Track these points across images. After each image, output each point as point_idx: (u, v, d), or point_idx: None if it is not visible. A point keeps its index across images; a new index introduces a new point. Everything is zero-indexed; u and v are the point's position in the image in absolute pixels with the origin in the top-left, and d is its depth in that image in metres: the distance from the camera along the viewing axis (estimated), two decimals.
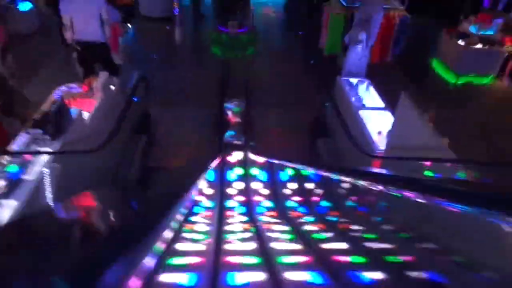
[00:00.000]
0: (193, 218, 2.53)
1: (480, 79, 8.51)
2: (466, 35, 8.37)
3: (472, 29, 8.40)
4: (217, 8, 10.24)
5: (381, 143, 4.54)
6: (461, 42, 8.19)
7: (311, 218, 2.90)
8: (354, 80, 5.94)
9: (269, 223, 2.67)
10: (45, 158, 3.37)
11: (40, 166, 3.31)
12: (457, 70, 8.37)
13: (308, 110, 6.87)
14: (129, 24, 8.33)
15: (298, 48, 9.91)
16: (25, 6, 9.25)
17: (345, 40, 6.06)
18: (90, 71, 5.32)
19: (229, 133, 5.02)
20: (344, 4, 7.74)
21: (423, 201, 1.54)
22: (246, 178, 4.13)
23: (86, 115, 4.27)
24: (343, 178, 2.61)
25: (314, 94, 7.26)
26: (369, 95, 5.66)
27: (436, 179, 2.61)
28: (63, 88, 4.90)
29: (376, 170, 3.96)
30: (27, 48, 8.59)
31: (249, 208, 3.45)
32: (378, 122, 4.97)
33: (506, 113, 7.42)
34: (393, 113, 4.97)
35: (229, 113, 5.63)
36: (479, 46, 8.20)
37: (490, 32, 8.41)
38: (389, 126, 4.75)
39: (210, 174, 3.92)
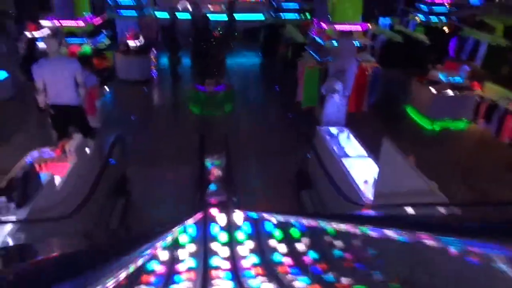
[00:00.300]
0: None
1: (455, 124, 8.72)
2: (436, 82, 8.69)
3: (441, 76, 8.74)
4: (194, 68, 10.42)
5: (368, 191, 4.42)
6: (432, 89, 8.46)
7: (299, 274, 2.68)
8: (334, 130, 5.94)
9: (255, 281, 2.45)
10: (9, 227, 3.09)
11: (3, 236, 3.02)
12: (431, 116, 8.58)
13: (289, 162, 6.78)
14: (106, 88, 8.31)
15: (275, 103, 10.04)
16: (0, 76, 9.20)
17: (322, 91, 6.15)
18: (64, 135, 5.14)
19: (210, 189, 4.83)
20: (318, 59, 7.98)
21: (410, 238, 1.44)
22: (229, 234, 3.89)
23: (57, 180, 4.03)
24: (329, 225, 2.46)
25: (294, 146, 7.22)
26: (350, 144, 5.63)
27: (419, 215, 2.51)
28: (35, 152, 4.68)
29: (360, 212, 3.82)
30: (1, 116, 8.43)
31: (235, 269, 3.19)
32: (362, 170, 4.89)
33: (484, 155, 7.51)
34: (376, 161, 4.93)
35: (209, 169, 5.47)
36: (450, 92, 8.48)
37: (458, 79, 8.76)
38: (374, 174, 4.67)
39: (191, 230, 3.69)
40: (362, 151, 5.33)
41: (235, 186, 4.98)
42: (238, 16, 13.49)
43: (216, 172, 5.30)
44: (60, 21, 7.16)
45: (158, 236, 2.37)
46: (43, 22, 8.23)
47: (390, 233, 1.67)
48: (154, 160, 6.97)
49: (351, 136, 5.76)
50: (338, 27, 7.77)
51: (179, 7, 16.14)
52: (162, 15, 13.42)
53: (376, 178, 4.08)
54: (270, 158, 7.10)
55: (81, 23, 7.31)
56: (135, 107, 9.48)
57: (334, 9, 7.93)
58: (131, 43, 10.73)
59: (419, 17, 13.06)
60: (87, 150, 4.97)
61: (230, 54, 10.40)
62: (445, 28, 12.02)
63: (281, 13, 12.93)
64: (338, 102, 5.89)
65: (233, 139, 6.85)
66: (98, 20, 7.88)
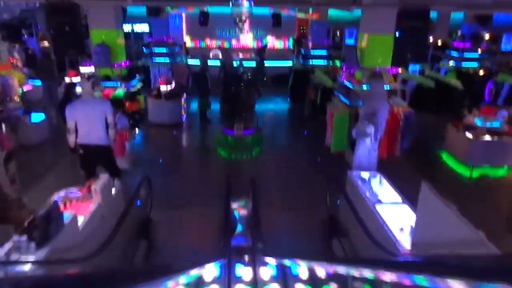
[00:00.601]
0: None
1: (495, 171, 8.24)
2: (472, 128, 8.34)
3: (478, 121, 8.39)
4: (223, 112, 10.52)
5: (404, 240, 4.09)
6: (469, 134, 8.10)
7: None
8: (366, 175, 5.68)
9: None
10: (27, 268, 2.98)
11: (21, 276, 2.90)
12: (469, 162, 8.16)
13: (319, 208, 6.50)
14: (137, 130, 8.45)
15: (304, 147, 9.89)
16: (37, 118, 9.55)
17: (353, 134, 5.97)
18: (92, 174, 5.16)
19: (235, 234, 4.61)
20: (348, 103, 7.87)
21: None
22: (255, 283, 3.62)
23: (81, 219, 3.95)
24: (361, 271, 2.20)
25: (324, 192, 6.98)
26: (383, 189, 5.34)
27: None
28: (62, 192, 4.68)
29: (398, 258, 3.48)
30: (35, 157, 8.68)
31: None
32: (397, 217, 4.57)
33: None
34: (412, 207, 4.61)
35: (235, 214, 5.27)
36: (488, 137, 8.10)
37: (496, 124, 8.38)
38: (410, 222, 4.35)
39: (214, 273, 3.45)
40: (396, 197, 5.02)
41: (262, 231, 4.74)
42: (267, 62, 13.80)
43: (242, 216, 5.09)
44: (97, 66, 7.46)
45: (178, 272, 2.19)
46: (82, 69, 8.66)
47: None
48: (179, 203, 6.86)
49: (384, 181, 5.48)
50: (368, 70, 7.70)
51: (210, 54, 16.78)
52: (194, 62, 13.89)
53: (414, 225, 3.77)
54: (298, 204, 6.87)
55: (116, 68, 7.57)
56: (164, 150, 9.57)
57: (364, 55, 7.91)
58: (163, 88, 11.05)
59: (450, 63, 12.91)
60: (113, 190, 4.93)
61: (259, 99, 10.49)
62: (479, 73, 11.76)
63: (309, 60, 13.10)
64: (369, 146, 5.68)
65: (261, 184, 6.68)
66: (132, 65, 8.15)
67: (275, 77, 16.05)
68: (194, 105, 12.03)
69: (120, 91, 7.60)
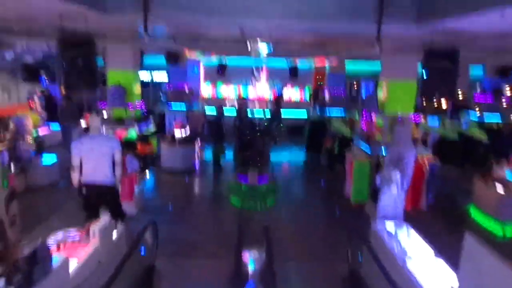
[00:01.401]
0: None
1: None
2: (503, 181, 7.77)
3: (509, 175, 7.85)
4: (237, 160, 10.22)
5: None
6: (500, 188, 7.53)
7: None
8: (392, 226, 5.16)
9: None
10: None
11: None
12: (501, 219, 7.50)
13: (339, 264, 5.91)
14: (147, 174, 8.15)
15: (321, 199, 9.39)
16: (48, 159, 9.39)
17: (377, 182, 5.53)
18: (94, 216, 4.77)
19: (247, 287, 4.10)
20: (368, 152, 7.49)
21: None
22: None
23: (74, 264, 3.52)
24: None
25: (344, 246, 6.43)
26: (412, 243, 4.79)
27: None
28: (59, 233, 4.29)
29: None
30: (42, 199, 8.41)
31: None
32: (431, 274, 4.01)
33: None
34: (448, 263, 4.07)
35: (247, 265, 4.76)
36: None
37: None
38: (447, 279, 3.79)
39: None
40: (428, 251, 4.47)
41: (276, 284, 4.21)
42: (283, 113, 13.69)
43: (254, 270, 4.58)
44: (111, 107, 7.35)
45: None
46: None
47: None
48: (188, 252, 6.36)
49: (413, 233, 4.94)
50: (389, 115, 7.40)
51: (227, 103, 16.85)
52: (210, 109, 13.88)
53: (456, 284, 3.22)
54: (316, 257, 6.29)
55: (130, 110, 7.43)
56: (174, 196, 9.19)
57: (385, 102, 7.66)
58: (177, 133, 10.90)
59: (472, 118, 12.58)
60: (114, 234, 4.51)
61: (274, 149, 10.20)
62: (504, 127, 11.36)
63: (326, 110, 12.94)
64: (395, 195, 5.21)
65: (275, 236, 6.19)
66: (147, 109, 8.04)
67: (291, 128, 15.93)
68: (208, 153, 11.79)
69: (133, 133, 7.41)
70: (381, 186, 5.36)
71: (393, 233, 5.02)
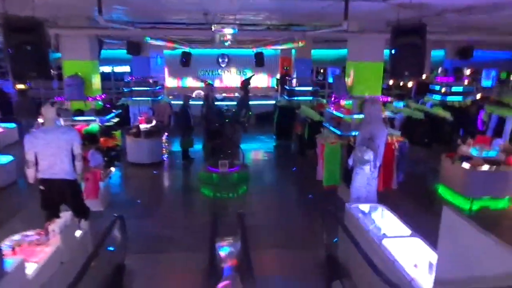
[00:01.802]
0: None
1: (495, 202, 7.79)
2: (468, 158, 7.96)
3: (473, 151, 8.04)
4: (206, 149, 9.96)
5: (421, 278, 3.48)
6: (466, 165, 7.70)
7: None
8: (366, 207, 5.12)
9: None
10: None
11: None
12: (468, 195, 7.70)
13: (315, 247, 5.85)
14: (112, 168, 7.77)
15: (293, 184, 9.32)
16: (5, 159, 8.82)
17: (349, 163, 5.47)
18: (54, 215, 4.44)
19: (222, 279, 3.92)
20: (339, 133, 7.44)
21: None
22: None
23: (32, 266, 3.22)
24: None
25: (319, 230, 6.39)
26: (388, 222, 4.77)
27: None
28: (16, 236, 3.95)
29: None
30: (1, 200, 7.89)
31: None
32: (409, 252, 3.99)
33: None
34: (426, 241, 4.05)
35: (222, 256, 4.58)
36: (486, 167, 7.70)
37: (492, 153, 8.04)
38: (425, 256, 3.76)
39: None
40: (405, 230, 4.45)
41: (253, 275, 4.06)
42: (250, 101, 13.48)
43: (229, 258, 4.41)
44: (69, 99, 6.91)
45: None
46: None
47: None
48: (159, 247, 6.11)
49: (388, 213, 4.92)
50: (358, 96, 7.38)
51: (193, 94, 16.47)
52: (176, 102, 13.49)
53: (436, 259, 3.17)
54: (291, 243, 6.21)
55: (90, 102, 7.02)
56: (142, 190, 8.86)
57: (353, 84, 7.61)
58: (143, 126, 10.51)
59: (435, 98, 12.85)
60: (78, 232, 4.21)
61: (244, 137, 10.00)
62: (467, 104, 11.68)
63: (294, 96, 12.84)
64: (368, 175, 5.16)
65: (249, 223, 6.05)
66: (108, 99, 7.63)
67: (259, 115, 15.76)
68: (176, 144, 11.45)
69: (94, 126, 7.01)
70: (354, 167, 5.29)
71: (367, 213, 4.99)
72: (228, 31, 5.59)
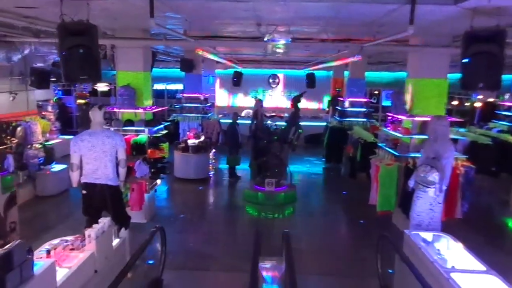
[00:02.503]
0: None
1: None
2: None
3: None
4: (253, 167, 9.69)
5: None
6: None
7: None
8: (427, 235, 4.52)
9: None
10: None
11: None
12: None
13: (365, 278, 5.29)
14: (158, 181, 7.69)
15: (343, 208, 8.75)
16: (59, 168, 9.07)
17: (409, 185, 4.92)
18: (95, 221, 4.31)
19: None
20: (397, 154, 6.87)
21: None
22: None
23: (63, 272, 3.04)
24: None
25: (370, 258, 5.83)
26: (455, 254, 4.16)
27: None
28: (55, 240, 3.83)
29: None
30: (50, 207, 8.07)
31: None
32: None
33: None
34: (503, 279, 3.43)
35: (264, 277, 4.19)
36: None
37: None
38: None
39: None
40: (477, 264, 3.83)
41: None
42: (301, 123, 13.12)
43: (273, 279, 4.01)
44: (120, 109, 6.96)
45: None
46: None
47: None
48: (199, 264, 5.83)
49: (456, 244, 4.30)
50: (418, 118, 6.81)
51: (243, 114, 16.46)
52: (225, 120, 13.47)
53: None
54: (339, 272, 5.68)
55: (139, 112, 7.03)
56: (187, 205, 8.72)
57: (413, 103, 7.06)
58: (191, 141, 10.48)
59: (502, 124, 11.77)
60: (115, 241, 4.03)
61: (291, 159, 9.62)
62: None
63: (346, 117, 12.33)
64: (432, 199, 4.59)
65: (293, 246, 5.62)
66: (158, 110, 7.63)
67: (308, 136, 15.35)
68: (223, 162, 11.30)
69: (143, 137, 6.99)
70: (415, 189, 4.75)
71: (430, 242, 4.40)
72: (281, 41, 5.35)
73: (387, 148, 7.26)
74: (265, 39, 5.46)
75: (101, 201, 4.43)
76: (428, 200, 4.65)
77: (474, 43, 4.11)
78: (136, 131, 7.05)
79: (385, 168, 6.92)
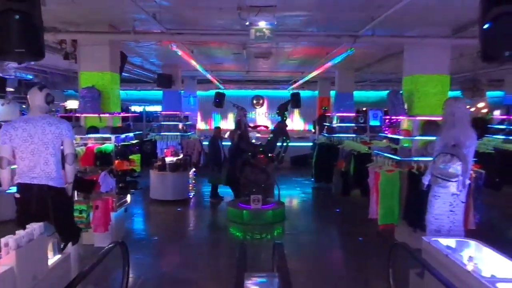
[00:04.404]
0: None
1: None
2: None
3: None
4: (236, 184, 8.78)
5: None
6: None
7: None
8: (450, 242, 3.68)
9: None
10: None
11: None
12: None
13: None
14: (128, 198, 6.71)
15: (338, 226, 7.84)
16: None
17: (423, 182, 4.11)
18: None
19: None
20: (399, 158, 6.10)
21: None
22: None
23: None
24: None
25: (375, 278, 4.96)
26: (491, 262, 3.31)
27: None
28: None
29: None
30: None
31: None
32: None
33: None
34: None
35: None
36: None
37: None
38: None
39: None
40: None
41: None
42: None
43: None
44: (82, 113, 6.06)
45: None
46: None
47: None
48: None
49: (489, 251, 3.45)
50: (420, 118, 6.11)
51: (226, 135, 15.63)
52: (206, 143, 12.65)
53: None
54: None
55: (105, 117, 6.14)
56: (163, 227, 7.70)
57: (412, 103, 6.39)
58: (169, 159, 9.56)
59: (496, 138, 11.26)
60: (56, 257, 3.04)
61: (278, 180, 8.76)
62: None
63: (334, 134, 11.60)
64: (453, 197, 3.78)
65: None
66: (127, 116, 6.75)
67: (295, 158, 14.61)
68: (205, 183, 10.32)
69: (109, 146, 6.06)
70: (432, 186, 3.94)
71: (455, 249, 3.55)
72: (264, 24, 4.64)
73: (385, 154, 6.48)
74: (247, 23, 4.74)
75: (41, 208, 3.43)
76: (448, 199, 3.83)
77: (495, 4, 3.43)
78: (102, 138, 6.12)
79: (386, 175, 6.12)
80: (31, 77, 11.14)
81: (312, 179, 11.62)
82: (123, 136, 6.40)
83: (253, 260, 5.10)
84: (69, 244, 3.46)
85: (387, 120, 6.71)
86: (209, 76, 11.27)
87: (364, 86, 16.73)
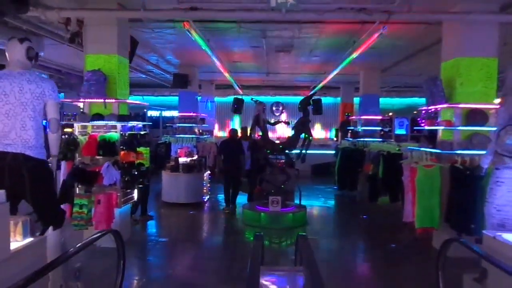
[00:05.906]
0: None
1: None
2: None
3: None
4: (253, 185, 8.12)
5: None
6: None
7: None
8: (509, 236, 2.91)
9: None
10: None
11: None
12: None
13: None
14: (135, 194, 6.12)
15: (366, 232, 7.05)
16: None
17: (483, 165, 3.36)
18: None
19: None
20: (439, 151, 5.33)
21: None
22: None
23: None
24: None
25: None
26: None
27: None
28: None
29: None
30: None
31: None
32: None
33: None
34: None
35: None
36: None
37: None
38: None
39: None
40: None
41: None
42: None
43: None
44: (86, 98, 5.55)
45: None
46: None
47: None
48: None
49: None
50: (464, 105, 5.36)
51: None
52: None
53: None
54: None
55: (110, 102, 5.62)
56: (173, 228, 7.13)
57: (454, 90, 5.64)
58: (182, 160, 8.99)
59: None
60: (26, 240, 2.44)
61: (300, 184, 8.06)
62: None
63: (359, 138, 10.83)
64: None
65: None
66: (135, 102, 6.23)
67: (316, 166, 13.90)
68: (220, 189, 9.63)
69: (114, 134, 5.52)
70: (493, 172, 3.19)
71: None
72: None
73: (422, 149, 5.71)
74: None
75: (16, 181, 2.84)
76: None
77: None
78: (106, 126, 5.59)
79: (424, 170, 5.34)
80: (45, 76, 10.86)
81: (335, 187, 10.82)
82: (130, 124, 5.84)
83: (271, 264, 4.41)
84: (50, 229, 2.85)
85: (423, 112, 5.91)
86: (226, 75, 10.70)
87: (389, 93, 15.95)
